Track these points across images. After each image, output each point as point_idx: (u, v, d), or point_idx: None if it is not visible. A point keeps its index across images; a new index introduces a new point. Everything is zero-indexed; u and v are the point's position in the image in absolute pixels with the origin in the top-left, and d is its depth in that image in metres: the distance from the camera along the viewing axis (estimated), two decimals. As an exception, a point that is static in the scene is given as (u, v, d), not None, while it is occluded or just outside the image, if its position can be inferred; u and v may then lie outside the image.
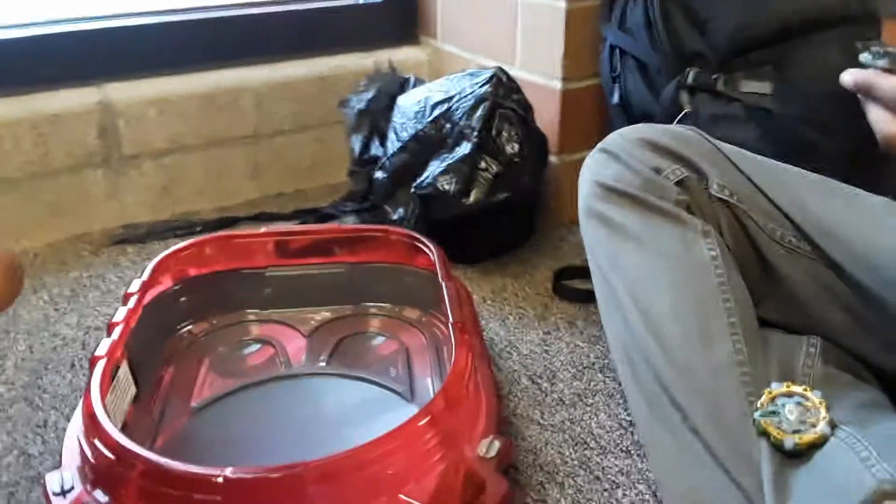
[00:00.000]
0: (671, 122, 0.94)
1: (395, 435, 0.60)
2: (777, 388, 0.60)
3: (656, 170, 0.72)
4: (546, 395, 0.84)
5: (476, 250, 1.10)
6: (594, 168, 0.75)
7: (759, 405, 0.60)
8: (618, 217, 0.71)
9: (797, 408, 0.59)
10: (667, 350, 0.65)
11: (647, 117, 1.01)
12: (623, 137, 0.75)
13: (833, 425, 0.57)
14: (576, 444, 0.77)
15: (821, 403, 0.59)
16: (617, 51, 1.08)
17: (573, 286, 1.04)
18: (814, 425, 0.57)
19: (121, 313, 0.75)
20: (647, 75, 1.03)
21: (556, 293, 1.04)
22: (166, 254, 0.87)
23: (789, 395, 0.60)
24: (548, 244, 1.17)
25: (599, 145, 0.77)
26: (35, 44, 1.15)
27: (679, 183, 0.71)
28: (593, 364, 0.89)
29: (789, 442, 0.56)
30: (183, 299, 0.90)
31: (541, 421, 0.80)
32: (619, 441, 0.77)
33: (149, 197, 1.22)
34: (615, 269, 0.71)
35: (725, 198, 0.72)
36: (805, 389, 0.60)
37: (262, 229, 0.94)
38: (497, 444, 0.64)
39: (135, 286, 0.80)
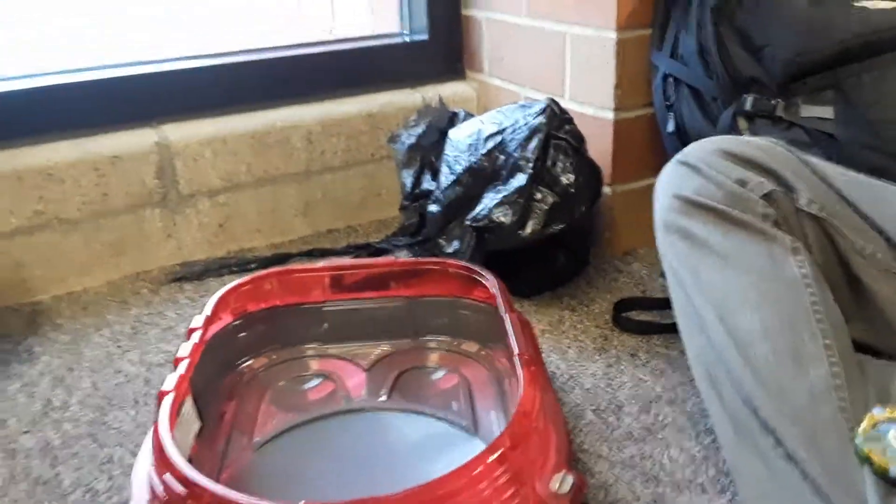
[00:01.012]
0: None
1: (466, 470, 0.58)
2: (879, 413, 0.57)
3: (741, 182, 0.69)
4: (613, 430, 0.82)
5: (531, 283, 1.08)
6: (673, 181, 0.72)
7: (860, 431, 0.57)
8: (700, 232, 0.69)
9: None
10: (756, 371, 0.62)
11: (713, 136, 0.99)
12: (703, 149, 0.73)
13: None
14: (647, 481, 0.74)
15: None
16: (670, 79, 1.07)
17: (633, 318, 1.02)
18: None
19: (185, 348, 0.76)
20: (703, 103, 1.02)
21: (616, 325, 1.02)
22: (227, 289, 0.87)
23: (893, 420, 0.57)
24: (603, 276, 1.15)
25: (677, 157, 0.74)
26: (95, 87, 1.18)
27: (765, 196, 0.69)
28: (660, 397, 0.87)
29: (895, 470, 0.54)
30: (243, 334, 0.90)
31: (609, 456, 0.78)
32: (692, 477, 0.74)
33: (205, 235, 1.24)
34: (698, 286, 0.68)
35: (815, 213, 0.69)
36: None
37: (320, 264, 0.94)
38: (570, 479, 0.62)
39: (197, 322, 0.81)
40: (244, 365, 0.89)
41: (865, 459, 0.55)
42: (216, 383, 0.84)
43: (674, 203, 0.70)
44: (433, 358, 0.91)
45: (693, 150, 0.73)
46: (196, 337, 0.78)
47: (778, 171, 0.70)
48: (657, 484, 0.74)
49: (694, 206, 0.69)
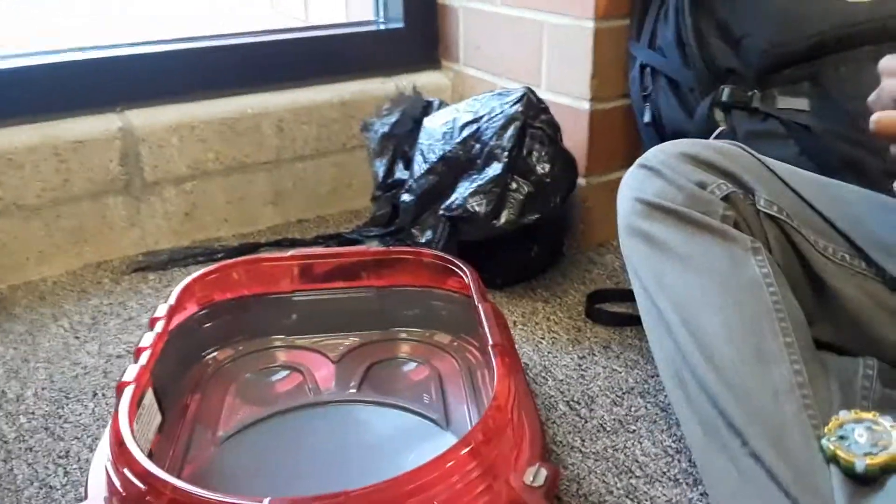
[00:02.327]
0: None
1: (438, 463, 0.56)
2: (845, 415, 0.57)
3: (700, 185, 0.69)
4: (586, 422, 0.81)
5: (505, 274, 1.07)
6: (634, 185, 0.72)
7: (825, 431, 0.57)
8: (661, 234, 0.68)
9: (867, 432, 0.56)
10: (721, 372, 0.62)
11: (679, 136, 0.98)
12: (664, 152, 0.73)
13: None
14: (620, 473, 0.73)
15: (892, 427, 0.56)
16: (648, 70, 1.06)
17: (607, 309, 1.01)
18: (885, 447, 0.54)
19: (148, 338, 0.73)
20: (680, 94, 1.01)
21: (589, 317, 1.01)
22: (192, 278, 0.84)
23: (858, 421, 0.57)
24: (577, 267, 1.14)
25: (638, 161, 0.74)
26: (56, 70, 1.14)
27: (725, 198, 0.69)
28: (632, 389, 0.86)
29: (860, 465, 0.53)
30: (208, 325, 0.87)
31: (582, 448, 0.77)
32: (665, 469, 0.74)
33: (170, 223, 1.21)
34: (661, 288, 0.68)
35: (774, 214, 0.69)
36: (874, 415, 0.57)
37: (289, 253, 0.91)
38: (544, 471, 0.61)
39: (161, 311, 0.78)
40: (209, 356, 0.87)
41: (832, 458, 0.55)
42: (179, 375, 0.82)
43: (635, 206, 0.70)
44: (404, 349, 0.90)
45: (654, 154, 0.72)
46: (159, 327, 0.75)
47: (737, 173, 0.70)
48: (630, 476, 0.73)
49: (655, 208, 0.69)
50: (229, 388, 0.82)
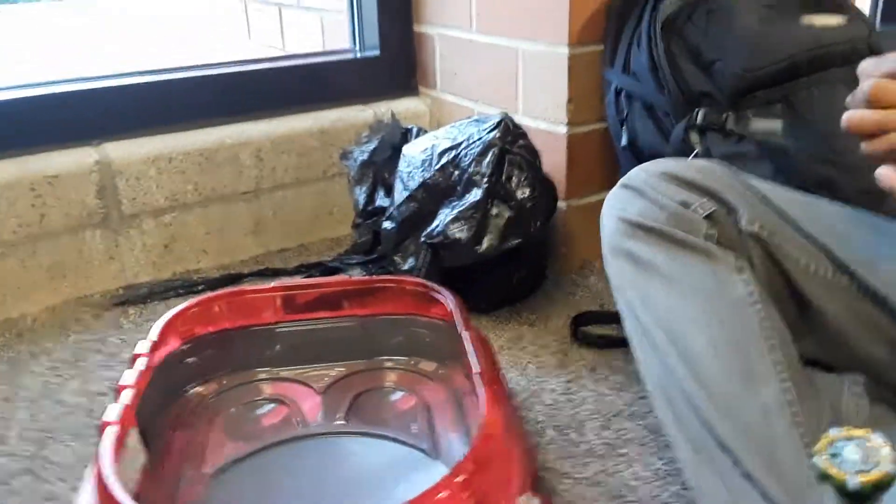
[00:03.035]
0: None
1: (430, 495, 0.56)
2: (836, 432, 0.58)
3: (683, 204, 0.70)
4: (575, 447, 0.81)
5: (490, 298, 1.07)
6: (617, 205, 0.73)
7: (816, 450, 0.57)
8: (645, 254, 0.69)
9: (859, 449, 0.56)
10: (709, 391, 0.62)
11: (656, 158, 1.00)
12: (646, 172, 0.73)
13: None
14: (612, 498, 0.73)
15: (885, 444, 0.56)
16: (623, 94, 1.08)
17: (592, 332, 1.01)
18: (878, 464, 0.55)
19: (129, 376, 0.72)
20: (655, 117, 1.03)
21: (575, 339, 1.01)
22: (174, 313, 0.84)
23: (850, 438, 0.57)
24: (560, 290, 1.14)
25: (621, 181, 0.75)
26: (31, 104, 1.13)
27: (708, 217, 0.69)
28: (621, 412, 0.86)
29: (853, 482, 0.53)
30: (191, 360, 0.86)
31: (573, 474, 0.76)
32: (657, 492, 0.74)
33: (150, 256, 1.19)
34: (646, 308, 0.68)
35: (756, 232, 0.70)
36: (866, 432, 0.58)
37: (271, 284, 0.91)
38: (536, 501, 0.61)
39: (143, 347, 0.77)
40: (193, 392, 0.86)
41: (824, 476, 0.55)
42: (163, 412, 0.80)
43: (619, 226, 0.70)
44: (390, 378, 0.89)
45: (636, 174, 0.73)
46: (141, 364, 0.74)
47: (719, 192, 0.70)
48: (622, 500, 0.73)
49: (639, 228, 0.69)
50: (214, 424, 0.81)
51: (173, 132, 1.21)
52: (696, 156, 0.96)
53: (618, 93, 1.08)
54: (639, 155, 1.06)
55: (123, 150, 1.16)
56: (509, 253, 1.01)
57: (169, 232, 1.20)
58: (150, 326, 0.82)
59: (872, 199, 0.86)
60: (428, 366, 0.90)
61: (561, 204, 1.17)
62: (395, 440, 0.78)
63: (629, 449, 0.80)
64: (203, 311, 0.87)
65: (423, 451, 0.76)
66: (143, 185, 1.17)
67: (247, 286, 0.97)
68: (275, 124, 1.28)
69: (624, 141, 1.07)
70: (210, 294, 0.89)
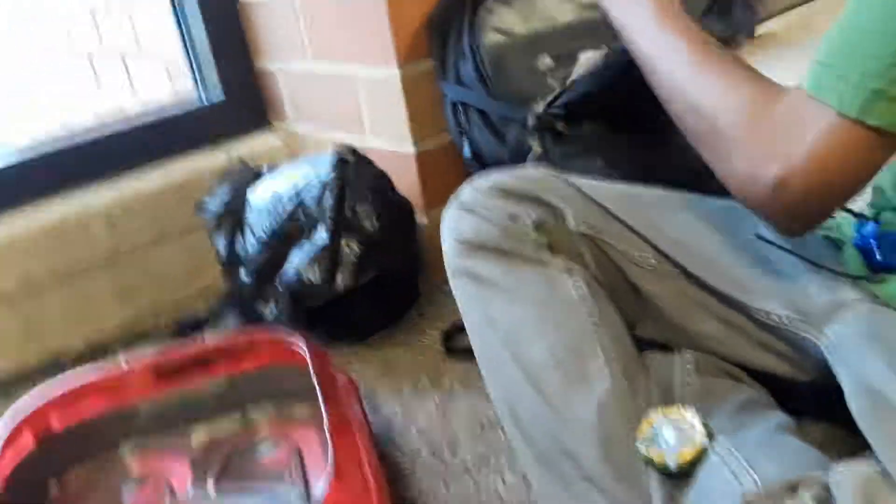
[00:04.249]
0: None
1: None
2: (653, 414, 0.60)
3: (512, 217, 0.71)
4: (448, 466, 0.82)
5: (361, 329, 1.08)
6: (453, 225, 0.74)
7: (638, 435, 0.59)
8: (484, 271, 0.70)
9: (674, 428, 0.59)
10: (549, 399, 0.64)
11: (499, 165, 1.02)
12: (475, 189, 0.74)
13: (711, 436, 0.57)
14: (484, 512, 0.75)
15: (695, 418, 0.59)
16: (459, 105, 1.09)
17: (462, 345, 1.02)
18: (692, 440, 0.57)
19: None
20: (491, 124, 1.05)
21: (448, 354, 1.02)
22: (19, 410, 0.81)
23: (667, 417, 0.59)
24: (434, 304, 1.16)
25: (453, 200, 0.76)
26: None
27: (536, 226, 0.71)
28: (492, 421, 0.88)
29: (672, 462, 0.56)
30: (49, 454, 0.83)
31: (445, 496, 0.78)
32: (525, 498, 0.76)
33: (7, 344, 1.15)
34: (490, 325, 0.69)
35: (584, 231, 0.72)
36: (678, 409, 0.61)
37: (124, 359, 0.88)
38: (393, 540, 0.61)
39: (-11, 454, 0.74)
40: (56, 487, 0.83)
41: (648, 461, 0.57)
42: (24, 514, 0.78)
43: (456, 247, 0.72)
44: (262, 430, 0.88)
45: (466, 191, 0.74)
46: (-12, 472, 0.71)
47: (545, 198, 0.72)
48: (494, 513, 0.74)
49: (474, 247, 0.70)
50: (81, 515, 0.79)
51: (12, 214, 1.16)
52: (536, 157, 0.98)
53: (454, 105, 1.10)
54: (483, 163, 1.08)
55: (-39, 240, 1.11)
56: (372, 280, 1.02)
57: (25, 317, 1.16)
58: (-1, 430, 0.79)
59: (695, 178, 0.91)
60: (301, 410, 0.90)
61: (422, 219, 1.18)
62: (265, 497, 0.77)
63: (500, 459, 0.82)
64: (58, 400, 0.84)
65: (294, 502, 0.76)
66: (-11, 272, 1.12)
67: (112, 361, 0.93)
68: (125, 186, 1.25)
69: (467, 152, 1.09)
70: (62, 381, 0.86)
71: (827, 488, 0.49)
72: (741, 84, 0.59)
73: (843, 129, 0.51)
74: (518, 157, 0.99)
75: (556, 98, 0.94)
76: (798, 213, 0.56)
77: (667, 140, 0.94)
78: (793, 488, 0.50)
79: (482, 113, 1.06)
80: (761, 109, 0.56)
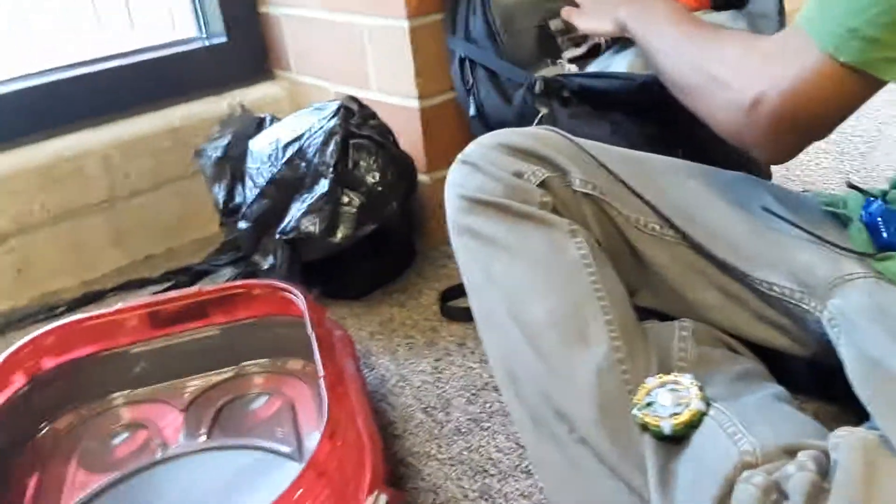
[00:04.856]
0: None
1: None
2: (651, 381, 0.60)
3: (517, 174, 0.71)
4: (442, 427, 0.82)
5: (357, 285, 1.07)
6: (457, 181, 0.73)
7: (635, 401, 0.59)
8: (486, 229, 0.69)
9: (670, 394, 0.58)
10: (546, 359, 0.63)
11: (503, 126, 0.99)
12: (481, 146, 0.74)
13: (707, 402, 0.57)
14: (476, 474, 0.75)
15: (692, 384, 0.58)
16: (467, 62, 1.07)
17: (459, 305, 1.02)
18: (688, 405, 0.57)
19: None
20: (499, 83, 1.03)
21: (444, 315, 1.02)
22: (10, 352, 0.80)
23: (662, 384, 0.59)
24: (432, 265, 1.15)
25: (459, 157, 0.75)
26: None
27: (542, 184, 0.71)
28: (487, 384, 0.88)
29: (667, 426, 0.56)
30: (40, 395, 0.82)
31: (439, 456, 0.78)
32: (518, 462, 0.76)
33: (1, 284, 1.13)
34: (490, 283, 0.69)
35: (589, 192, 0.72)
36: (676, 375, 0.60)
37: (118, 304, 0.87)
38: (383, 498, 0.61)
39: (-22, 393, 0.73)
40: (46, 429, 0.82)
41: (643, 426, 0.57)
42: (14, 455, 0.77)
43: (460, 203, 0.71)
44: (256, 383, 0.88)
45: (472, 149, 0.73)
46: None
47: (551, 157, 0.72)
48: (485, 476, 0.74)
49: (478, 203, 0.69)
50: (71, 459, 0.79)
51: (6, 150, 1.14)
52: (541, 119, 0.96)
53: (462, 61, 1.08)
54: (488, 123, 1.06)
55: (-47, 177, 1.09)
56: (370, 237, 1.00)
57: (18, 256, 1.14)
58: None
59: (701, 151, 0.89)
60: (295, 364, 0.90)
61: (424, 178, 1.16)
62: (258, 449, 0.77)
63: (493, 421, 0.82)
64: (46, 343, 0.84)
65: (287, 455, 0.76)
66: (-20, 211, 1.10)
67: (96, 312, 0.92)
68: (122, 128, 1.22)
69: (472, 111, 1.07)
70: (51, 325, 0.85)
71: (826, 453, 0.49)
72: (737, 37, 0.65)
73: (819, 62, 0.54)
74: (524, 118, 0.97)
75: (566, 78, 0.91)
76: (769, 136, 0.59)
77: (675, 117, 0.93)
78: (791, 452, 0.50)
79: (490, 72, 1.03)
80: (751, 46, 0.61)
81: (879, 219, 0.63)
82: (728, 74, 0.61)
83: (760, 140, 0.60)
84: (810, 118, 0.57)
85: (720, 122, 0.63)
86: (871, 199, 0.65)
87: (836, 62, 0.53)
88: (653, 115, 0.87)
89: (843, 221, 0.67)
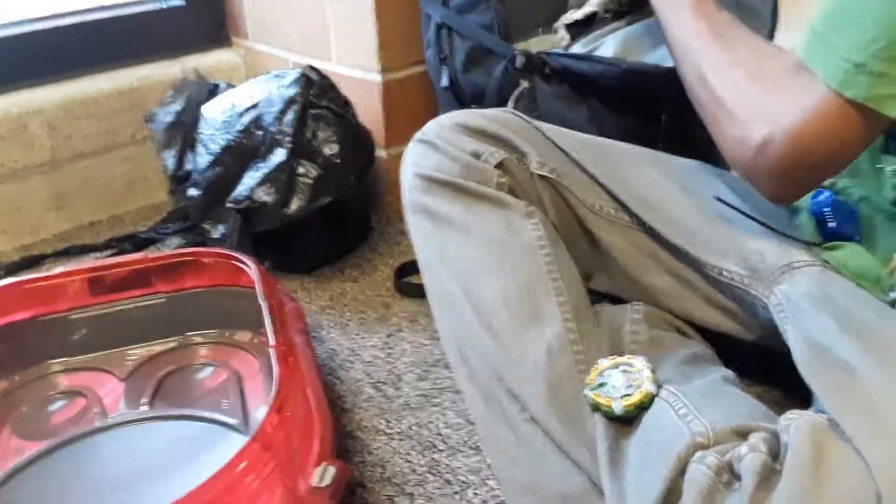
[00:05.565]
0: (505, 102, 0.92)
1: (215, 482, 0.55)
2: (604, 362, 0.60)
3: (475, 154, 0.71)
4: (392, 402, 0.81)
5: (309, 258, 1.05)
6: (414, 160, 0.72)
7: (587, 381, 0.59)
8: (442, 208, 0.69)
9: (622, 375, 0.59)
10: (499, 339, 0.63)
11: (478, 99, 0.98)
12: (439, 125, 0.73)
13: (658, 384, 0.58)
14: (424, 450, 0.74)
15: (644, 366, 0.59)
16: (444, 30, 1.04)
17: (414, 282, 1.01)
18: (639, 386, 0.58)
19: None
20: (478, 53, 1.00)
21: (399, 291, 1.01)
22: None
23: (615, 366, 0.60)
24: (387, 241, 1.14)
25: (416, 136, 0.75)
26: None
27: (499, 165, 0.70)
28: (438, 361, 0.87)
29: (618, 406, 0.56)
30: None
31: (387, 430, 0.77)
32: (467, 439, 0.75)
33: (-66, 246, 1.09)
34: (444, 263, 0.69)
35: (546, 174, 0.72)
36: (629, 357, 0.61)
37: (59, 269, 0.84)
38: (332, 470, 0.60)
39: None
40: (-20, 396, 0.79)
41: (594, 406, 0.57)
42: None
43: (416, 182, 0.70)
44: (201, 354, 0.86)
45: (430, 127, 0.73)
46: None
47: (510, 138, 0.72)
48: (433, 451, 0.74)
49: (434, 182, 0.69)
50: (4, 426, 0.76)
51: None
52: (521, 92, 0.94)
53: (439, 27, 1.05)
54: (460, 96, 1.04)
55: None
56: (325, 210, 0.99)
57: (-46, 216, 1.09)
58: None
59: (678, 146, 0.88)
60: (243, 336, 0.88)
61: (381, 153, 1.14)
62: (202, 420, 0.75)
63: (443, 397, 0.81)
64: (-17, 305, 0.80)
65: (232, 427, 0.74)
66: (-85, 167, 1.05)
67: (41, 275, 0.89)
68: (70, 88, 1.18)
69: (444, 81, 1.04)
70: (-6, 284, 0.81)
71: (776, 435, 0.50)
72: (749, 55, 0.61)
73: (825, 99, 0.52)
74: (501, 90, 0.95)
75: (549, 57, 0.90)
76: (777, 178, 0.57)
77: (658, 114, 0.93)
78: (742, 434, 0.51)
79: (469, 41, 1.01)
80: (761, 72, 0.58)
81: (827, 209, 0.65)
82: (732, 102, 0.59)
83: (770, 182, 0.58)
84: (817, 158, 0.55)
85: (728, 154, 0.61)
86: (820, 189, 0.66)
87: (841, 98, 0.51)
88: (634, 106, 0.87)
89: (793, 211, 0.68)
